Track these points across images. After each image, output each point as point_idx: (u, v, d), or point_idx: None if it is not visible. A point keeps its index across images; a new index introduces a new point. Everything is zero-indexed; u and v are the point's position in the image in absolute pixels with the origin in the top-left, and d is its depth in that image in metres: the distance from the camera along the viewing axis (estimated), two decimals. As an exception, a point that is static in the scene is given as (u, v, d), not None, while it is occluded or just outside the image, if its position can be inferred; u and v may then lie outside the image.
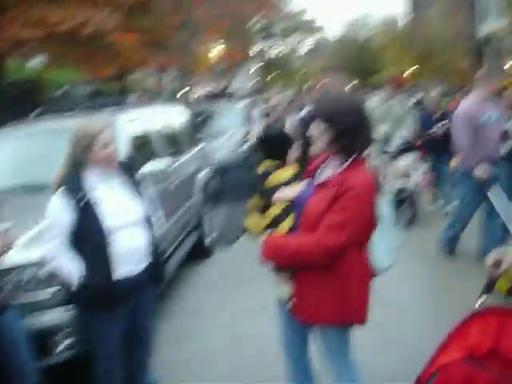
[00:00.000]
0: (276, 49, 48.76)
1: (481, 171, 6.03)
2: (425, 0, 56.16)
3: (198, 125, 10.80)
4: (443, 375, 2.24)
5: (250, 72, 45.20)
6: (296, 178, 3.41)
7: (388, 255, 3.29)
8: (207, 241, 7.53)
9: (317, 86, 11.51)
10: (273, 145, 3.59)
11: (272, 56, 47.83)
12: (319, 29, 53.79)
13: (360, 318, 2.99)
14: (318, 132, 2.88)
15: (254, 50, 43.07)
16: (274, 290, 3.22)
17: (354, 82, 55.12)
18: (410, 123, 8.65)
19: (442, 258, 6.80)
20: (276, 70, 48.08)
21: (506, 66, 32.69)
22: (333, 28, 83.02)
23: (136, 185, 3.58)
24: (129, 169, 3.59)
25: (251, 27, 39.16)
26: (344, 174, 2.84)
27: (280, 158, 3.56)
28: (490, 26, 36.21)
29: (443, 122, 8.48)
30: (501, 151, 6.46)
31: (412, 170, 8.29)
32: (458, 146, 6.26)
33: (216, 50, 26.40)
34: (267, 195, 3.33)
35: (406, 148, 8.47)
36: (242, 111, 13.73)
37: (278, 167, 3.50)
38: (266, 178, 3.45)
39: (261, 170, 3.53)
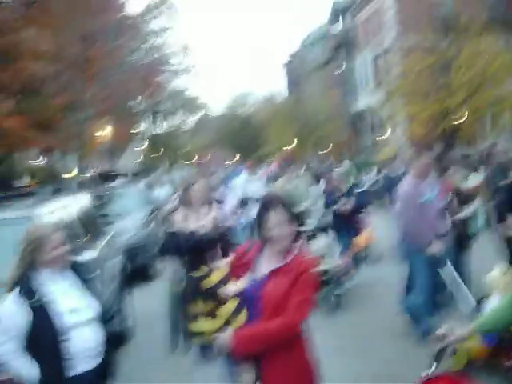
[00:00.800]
0: (161, 127, 49.41)
1: (435, 248, 6.23)
2: (302, 77, 59.46)
3: (101, 209, 10.79)
4: None
5: (136, 150, 45.24)
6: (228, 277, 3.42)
7: None
8: (126, 328, 7.44)
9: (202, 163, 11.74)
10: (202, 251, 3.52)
11: (157, 134, 48.33)
12: (203, 106, 55.37)
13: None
14: (284, 223, 3.16)
15: (139, 128, 43.40)
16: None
17: (236, 157, 56.50)
18: (315, 201, 8.94)
19: (377, 338, 6.96)
20: (162, 147, 48.43)
21: (379, 139, 35.16)
22: (216, 105, 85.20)
23: (87, 282, 3.64)
24: (78, 267, 3.65)
25: (136, 106, 39.59)
26: (297, 257, 3.16)
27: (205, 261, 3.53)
28: (362, 101, 38.93)
29: (348, 199, 8.72)
30: (442, 228, 6.74)
31: (330, 251, 8.22)
32: (403, 226, 6.50)
33: (103, 130, 26.32)
34: (210, 297, 3.30)
35: (322, 227, 8.45)
36: (140, 192, 13.82)
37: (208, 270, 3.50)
38: (201, 281, 3.43)
39: (196, 274, 3.46)
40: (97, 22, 20.64)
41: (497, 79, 23.22)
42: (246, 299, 3.20)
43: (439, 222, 6.64)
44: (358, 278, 9.14)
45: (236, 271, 3.35)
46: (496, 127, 28.50)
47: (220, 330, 3.19)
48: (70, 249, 3.67)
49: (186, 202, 6.14)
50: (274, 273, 3.18)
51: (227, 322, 3.22)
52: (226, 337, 3.11)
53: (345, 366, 6.06)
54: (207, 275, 3.30)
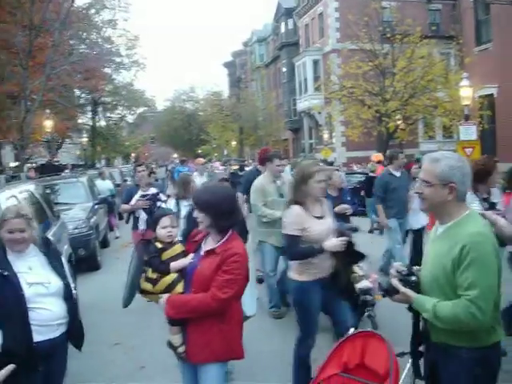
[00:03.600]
0: (104, 119, 48.98)
1: None
2: (244, 76, 60.04)
3: (49, 199, 11.07)
4: (326, 384, 3.15)
5: (78, 143, 44.79)
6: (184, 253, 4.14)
7: (252, 305, 4.26)
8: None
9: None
10: None
11: (98, 126, 47.85)
12: (149, 100, 55.10)
13: (240, 352, 3.83)
14: (200, 217, 3.77)
15: (81, 120, 42.99)
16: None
17: (177, 153, 56.22)
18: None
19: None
20: (102, 140, 47.80)
21: (325, 138, 36.22)
22: (160, 99, 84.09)
23: (56, 259, 4.10)
24: (47, 245, 4.12)
25: (80, 98, 39.28)
26: (226, 244, 3.71)
27: None
28: (306, 101, 39.77)
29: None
30: None
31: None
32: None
33: (46, 122, 26.12)
34: (159, 268, 3.97)
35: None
36: (84, 184, 14.01)
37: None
38: (162, 252, 4.11)
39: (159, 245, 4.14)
40: (44, 11, 20.54)
41: (430, 87, 24.44)
42: (186, 274, 3.83)
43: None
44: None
45: (189, 247, 3.99)
46: (428, 133, 29.96)
47: (159, 294, 3.84)
48: (27, 235, 4.02)
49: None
50: (206, 254, 3.77)
51: (165, 290, 3.84)
52: (162, 300, 3.73)
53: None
54: (166, 248, 3.97)
